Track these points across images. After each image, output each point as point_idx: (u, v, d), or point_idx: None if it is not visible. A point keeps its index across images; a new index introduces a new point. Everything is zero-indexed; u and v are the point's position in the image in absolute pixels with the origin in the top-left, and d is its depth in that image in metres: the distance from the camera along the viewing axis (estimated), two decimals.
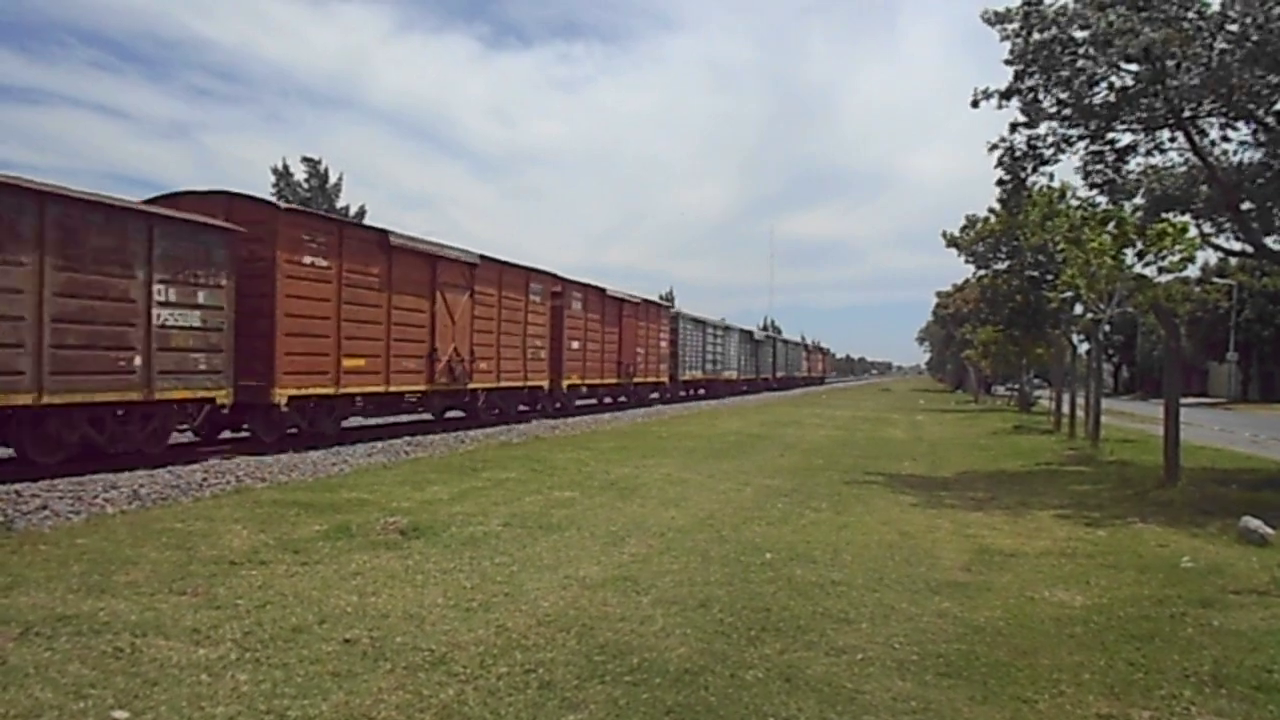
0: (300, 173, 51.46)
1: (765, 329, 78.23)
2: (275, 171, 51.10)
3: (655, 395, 34.01)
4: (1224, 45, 11.05)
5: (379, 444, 15.44)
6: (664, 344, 33.48)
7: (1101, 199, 14.97)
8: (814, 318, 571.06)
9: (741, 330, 47.35)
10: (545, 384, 23.06)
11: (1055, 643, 5.04)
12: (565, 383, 24.17)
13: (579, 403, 27.68)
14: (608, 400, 31.09)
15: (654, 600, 5.73)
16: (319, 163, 51.91)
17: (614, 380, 28.26)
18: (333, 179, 52.10)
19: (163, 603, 5.35)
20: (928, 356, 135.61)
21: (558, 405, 24.65)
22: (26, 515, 8.19)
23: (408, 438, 16.60)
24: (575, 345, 24.84)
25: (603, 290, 27.07)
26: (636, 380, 30.14)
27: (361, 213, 52.58)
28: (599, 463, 13.40)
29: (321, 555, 6.74)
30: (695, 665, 4.52)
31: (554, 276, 23.73)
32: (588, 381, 26.21)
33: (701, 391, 41.65)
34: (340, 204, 51.90)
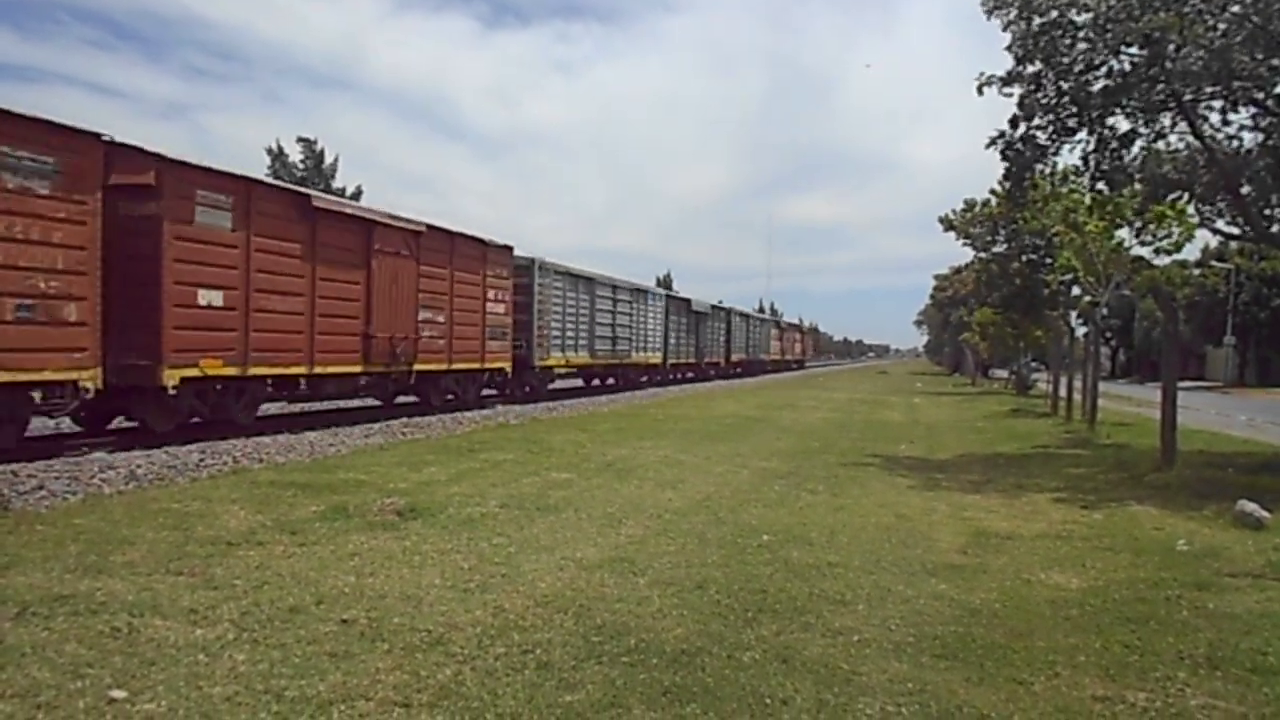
0: (296, 153, 51.16)
1: (761, 311, 77.25)
2: (270, 152, 50.75)
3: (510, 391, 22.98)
4: (1224, 26, 11.00)
5: (376, 425, 15.42)
6: (500, 309, 21.00)
7: (1101, 186, 14.93)
8: (813, 301, 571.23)
9: (672, 298, 36.58)
10: (83, 377, 10.41)
11: (1051, 625, 5.06)
12: (181, 374, 12.04)
13: (268, 410, 15.68)
14: (370, 402, 19.08)
15: (651, 581, 5.74)
16: (314, 143, 51.58)
17: (356, 367, 15.74)
18: (329, 159, 51.83)
19: (160, 583, 5.35)
20: (926, 340, 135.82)
21: (193, 418, 13.15)
22: (23, 495, 8.19)
23: (405, 419, 16.59)
24: (213, 301, 12.53)
25: (305, 196, 14.66)
26: (423, 366, 17.77)
27: (358, 194, 52.34)
28: (596, 444, 13.40)
29: (319, 536, 6.74)
30: (692, 646, 4.53)
31: (119, 146, 11.36)
32: (262, 369, 13.54)
33: (610, 381, 31.64)
34: (337, 185, 51.64)
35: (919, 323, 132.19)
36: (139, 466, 9.89)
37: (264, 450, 11.66)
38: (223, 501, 7.96)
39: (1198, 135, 12.78)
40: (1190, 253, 22.58)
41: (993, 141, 13.52)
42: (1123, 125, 13.19)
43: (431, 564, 6.02)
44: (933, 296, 72.70)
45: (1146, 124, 13.11)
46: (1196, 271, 29.76)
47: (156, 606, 4.88)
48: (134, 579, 5.40)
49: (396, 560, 6.08)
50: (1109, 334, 69.34)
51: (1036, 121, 13.03)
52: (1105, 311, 20.74)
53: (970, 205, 35.13)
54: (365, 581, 5.51)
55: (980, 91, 13.03)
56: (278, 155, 50.76)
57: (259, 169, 49.86)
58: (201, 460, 10.59)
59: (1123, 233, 20.31)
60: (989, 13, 12.64)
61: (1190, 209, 17.27)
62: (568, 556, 6.34)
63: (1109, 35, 11.52)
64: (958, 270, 53.37)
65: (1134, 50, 11.82)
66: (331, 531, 6.90)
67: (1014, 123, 13.16)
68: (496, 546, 6.58)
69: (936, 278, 65.56)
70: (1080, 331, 24.44)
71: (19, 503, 7.89)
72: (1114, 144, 13.35)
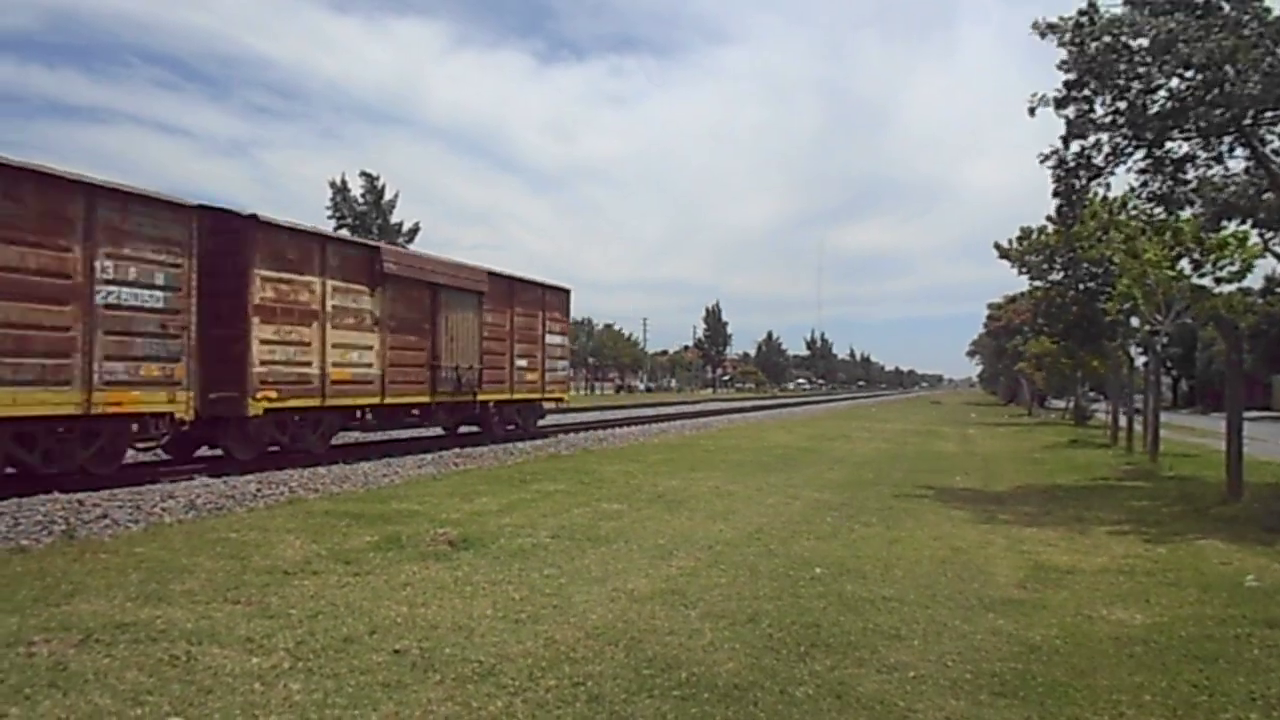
0: (357, 188, 52.31)
1: (813, 343, 76.20)
2: (333, 186, 52.02)
3: None
4: None
5: (429, 455, 15.57)
6: None
7: (1158, 211, 14.68)
8: (866, 331, 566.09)
9: None
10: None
11: (1114, 663, 4.92)
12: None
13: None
14: None
15: (702, 614, 5.69)
16: (376, 178, 52.74)
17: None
18: (388, 195, 52.88)
19: (217, 611, 5.43)
20: (980, 369, 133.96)
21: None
22: (88, 524, 8.40)
23: (457, 449, 16.72)
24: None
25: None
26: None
27: (416, 229, 53.25)
28: (646, 475, 13.38)
29: (372, 566, 6.80)
30: (744, 681, 4.48)
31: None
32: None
33: None
34: (394, 219, 52.61)
35: (972, 353, 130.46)
36: (198, 496, 10.08)
37: (319, 480, 11.82)
38: (279, 531, 8.08)
39: (1259, 158, 12.52)
40: (1255, 279, 22.06)
41: (1046, 158, 13.40)
42: (1181, 148, 12.99)
43: (483, 594, 6.04)
44: (987, 326, 71.79)
45: (1205, 147, 12.89)
46: (1261, 299, 28.94)
47: (214, 635, 4.95)
48: (193, 607, 5.50)
49: (448, 590, 6.12)
50: (1170, 363, 67.77)
51: (1091, 140, 12.90)
52: (1165, 340, 20.29)
53: (1026, 233, 34.73)
54: (418, 612, 5.55)
55: (1032, 113, 12.94)
56: (340, 190, 51.98)
57: (321, 203, 51.38)
58: (259, 490, 10.77)
59: (1183, 262, 19.94)
60: (1042, 34, 12.57)
61: (1254, 235, 16.91)
62: (619, 588, 6.32)
63: (1166, 59, 11.38)
64: (1012, 299, 52.68)
65: (1191, 74, 11.65)
66: (385, 561, 6.96)
67: (1066, 140, 13.03)
68: (548, 577, 6.59)
69: (990, 306, 64.80)
70: (1140, 361, 23.93)
71: (84, 531, 8.10)
72: (1169, 166, 13.14)
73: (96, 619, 5.17)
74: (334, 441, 15.96)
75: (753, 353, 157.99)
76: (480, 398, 18.87)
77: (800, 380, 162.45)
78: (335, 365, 14.57)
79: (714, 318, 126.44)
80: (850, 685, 4.46)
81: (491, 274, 19.36)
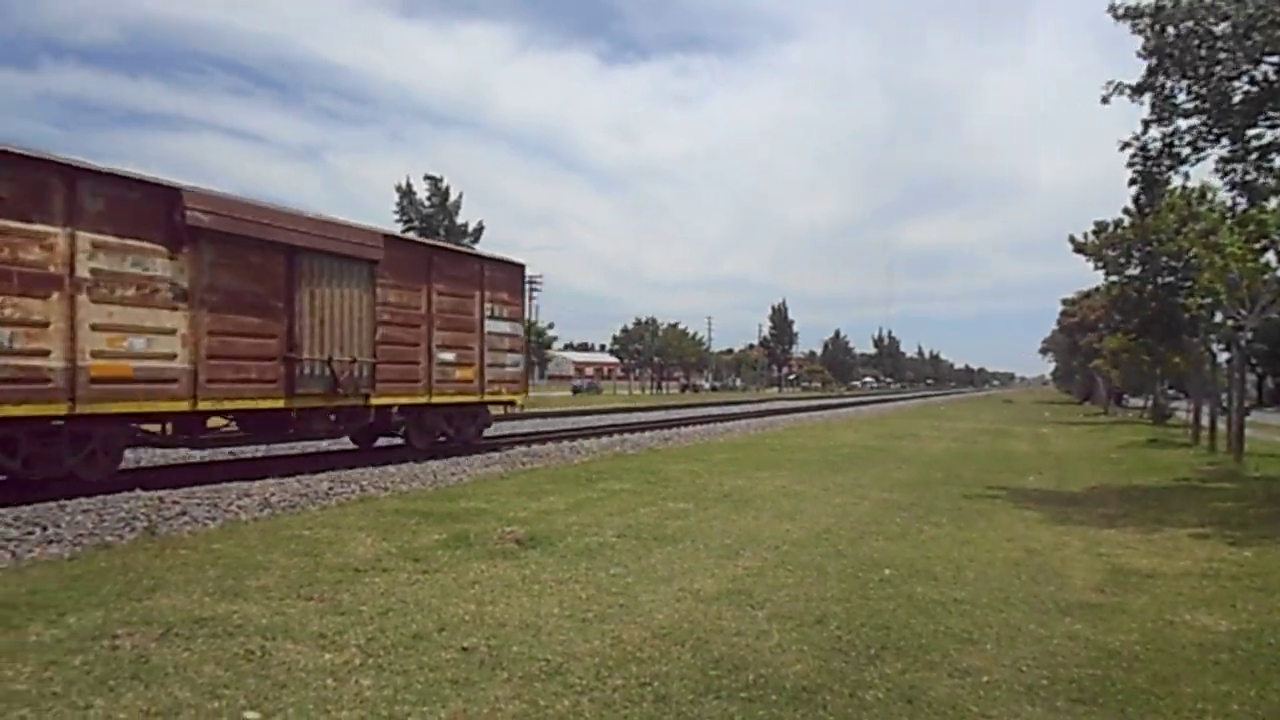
0: (423, 191, 53.21)
1: (881, 341, 75.43)
2: (399, 189, 53.01)
3: None
4: None
5: (496, 454, 15.72)
6: None
7: (1241, 200, 14.17)
8: (935, 328, 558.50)
9: None
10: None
11: (1199, 670, 4.75)
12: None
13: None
14: None
15: (769, 615, 5.64)
16: (440, 181, 53.57)
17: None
18: (453, 197, 53.66)
19: (291, 607, 5.54)
20: (1052, 367, 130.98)
21: None
22: (168, 521, 8.65)
23: (523, 448, 16.86)
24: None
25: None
26: None
27: (480, 229, 53.91)
28: (712, 475, 13.33)
29: (441, 564, 6.88)
30: (813, 683, 4.42)
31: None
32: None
33: None
34: (459, 221, 53.34)
35: (1045, 350, 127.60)
36: (273, 495, 10.31)
37: (389, 479, 12.00)
38: (350, 529, 8.22)
39: None
40: None
41: (1125, 145, 13.02)
42: (1266, 135, 12.53)
43: (550, 593, 6.06)
44: (1060, 322, 70.20)
45: None
46: None
47: (288, 630, 5.05)
48: (267, 603, 5.61)
49: (516, 589, 6.16)
50: (1255, 360, 65.44)
51: (1172, 128, 12.51)
52: (1250, 336, 19.58)
53: (1102, 226, 33.88)
54: (486, 609, 5.59)
55: (1106, 100, 12.59)
56: (406, 193, 52.95)
57: (388, 206, 52.45)
58: (331, 489, 10.97)
59: (1269, 255, 19.23)
60: (1119, 18, 12.20)
61: None
62: (685, 588, 6.29)
63: (1250, 44, 10.98)
64: (1086, 294, 51.49)
65: (1277, 59, 11.23)
66: (453, 559, 7.03)
67: (1146, 125, 12.65)
68: (614, 576, 6.59)
69: (1064, 302, 63.44)
70: (1223, 357, 23.14)
71: (164, 528, 8.34)
72: (1254, 154, 12.68)
73: (176, 614, 5.31)
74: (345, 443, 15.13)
75: (819, 351, 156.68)
76: (375, 401, 13.94)
77: (867, 379, 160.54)
78: (99, 355, 9.93)
79: (780, 316, 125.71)
80: (921, 689, 4.37)
81: (392, 238, 14.76)
